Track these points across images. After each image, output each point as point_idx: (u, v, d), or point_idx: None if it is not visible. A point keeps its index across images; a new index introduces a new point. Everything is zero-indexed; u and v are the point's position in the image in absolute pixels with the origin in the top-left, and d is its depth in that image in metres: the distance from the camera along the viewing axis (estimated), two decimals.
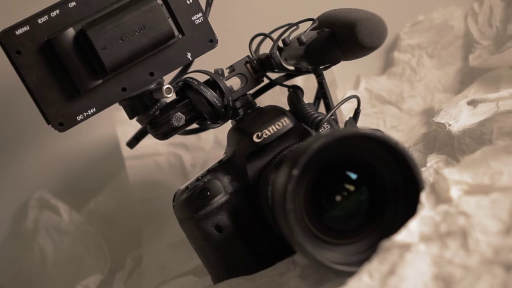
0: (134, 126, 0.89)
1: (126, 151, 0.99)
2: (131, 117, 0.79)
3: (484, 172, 0.64)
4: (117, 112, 0.92)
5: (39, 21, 0.72)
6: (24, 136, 1.08)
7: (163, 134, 0.78)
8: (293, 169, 0.61)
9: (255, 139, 0.75)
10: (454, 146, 0.77)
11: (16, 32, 0.71)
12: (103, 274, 0.98)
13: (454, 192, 0.64)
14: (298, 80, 0.89)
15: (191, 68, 0.82)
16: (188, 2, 0.75)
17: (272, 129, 0.75)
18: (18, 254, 1.06)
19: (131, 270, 0.97)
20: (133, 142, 0.86)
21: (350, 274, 0.62)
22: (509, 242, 0.57)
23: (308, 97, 0.84)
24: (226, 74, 0.80)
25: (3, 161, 1.08)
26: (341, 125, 0.83)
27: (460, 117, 0.82)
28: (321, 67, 0.78)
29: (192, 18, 0.76)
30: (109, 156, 1.06)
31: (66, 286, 0.99)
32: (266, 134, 0.75)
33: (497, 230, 0.58)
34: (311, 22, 0.76)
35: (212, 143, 1.03)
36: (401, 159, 0.64)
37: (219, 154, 0.94)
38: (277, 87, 0.86)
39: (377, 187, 0.67)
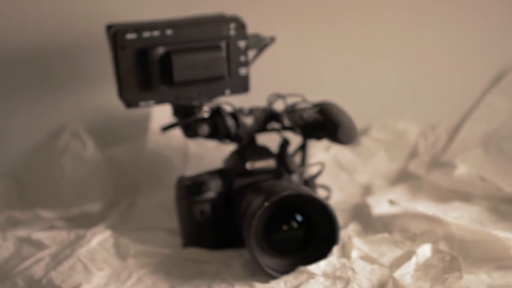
0: (165, 112, 1.04)
1: (153, 126, 1.09)
2: (174, 115, 0.95)
3: (376, 249, 0.83)
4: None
5: (144, 34, 0.90)
6: (79, 81, 1.15)
7: (189, 135, 0.95)
8: (265, 202, 0.80)
9: (247, 166, 0.91)
10: (369, 224, 0.93)
11: (126, 36, 0.90)
12: (104, 205, 1.07)
13: (354, 254, 0.82)
14: (289, 133, 0.97)
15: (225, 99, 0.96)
16: (241, 59, 0.94)
17: (261, 164, 0.92)
18: (43, 163, 1.14)
19: (124, 210, 1.06)
20: (166, 128, 0.99)
21: (274, 278, 0.81)
22: None
23: (294, 145, 0.98)
24: (246, 112, 0.95)
25: (56, 91, 1.15)
26: (306, 175, 0.99)
27: (382, 205, 0.96)
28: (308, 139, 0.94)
29: (239, 70, 0.94)
30: (138, 122, 1.13)
31: (72, 202, 1.08)
32: (255, 166, 0.92)
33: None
34: (313, 104, 0.92)
35: (214, 146, 1.11)
36: (332, 220, 0.82)
37: (217, 154, 1.10)
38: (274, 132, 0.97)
39: (310, 230, 0.84)
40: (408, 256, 0.81)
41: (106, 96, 1.10)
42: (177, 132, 1.02)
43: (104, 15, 1.03)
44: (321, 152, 1.14)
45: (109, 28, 0.93)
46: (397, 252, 0.82)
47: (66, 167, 1.14)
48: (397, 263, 0.80)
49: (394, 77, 1.20)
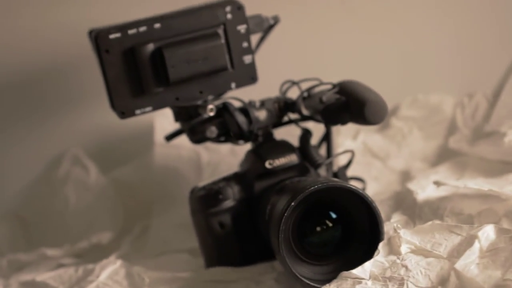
0: (169, 120, 0.98)
1: (158, 138, 1.05)
2: (176, 120, 0.90)
3: (429, 240, 0.74)
4: None
5: (129, 32, 0.82)
6: (73, 102, 1.12)
7: (197, 140, 0.89)
8: (292, 202, 0.73)
9: (267, 165, 0.84)
10: (415, 212, 0.85)
11: (110, 36, 0.82)
12: (115, 233, 1.03)
13: (403, 249, 0.74)
14: (310, 123, 0.93)
15: (231, 94, 0.90)
16: (244, 46, 0.86)
17: (282, 160, 0.85)
18: (45, 196, 1.11)
19: (138, 235, 1.03)
20: (171, 137, 0.94)
21: None
22: None
23: (316, 136, 0.91)
24: (257, 105, 0.89)
25: (52, 116, 1.12)
26: (335, 167, 0.93)
27: (427, 188, 0.89)
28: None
29: (243, 58, 0.87)
30: (141, 137, 1.10)
31: (80, 235, 1.04)
32: (276, 164, 0.85)
33: (425, 286, 0.69)
34: (332, 85, 0.85)
35: (228, 150, 1.07)
36: (372, 213, 0.74)
37: (232, 160, 1.05)
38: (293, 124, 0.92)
39: (348, 228, 0.77)
40: (468, 242, 0.72)
41: (103, 114, 1.04)
42: (186, 140, 0.96)
43: (90, 25, 0.95)
44: (348, 141, 1.09)
45: (91, 32, 0.87)
46: (455, 240, 0.73)
47: (70, 197, 1.11)
48: (457, 252, 0.72)
49: (418, 48, 1.15)
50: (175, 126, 0.96)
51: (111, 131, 1.13)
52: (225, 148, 1.08)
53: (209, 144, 1.05)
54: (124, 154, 1.14)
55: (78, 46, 1.06)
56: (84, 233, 1.05)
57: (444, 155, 1.08)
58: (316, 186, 0.74)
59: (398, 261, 0.73)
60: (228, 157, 1.08)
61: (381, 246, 0.75)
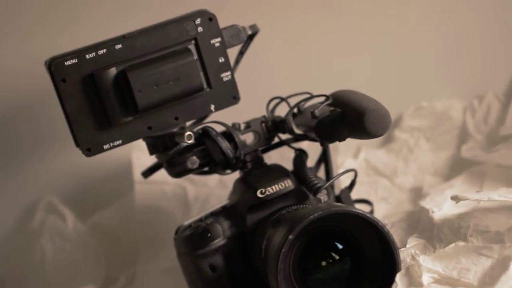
0: (148, 154, 0.90)
1: (137, 175, 1.00)
2: (151, 153, 0.83)
3: (454, 266, 0.70)
4: None
5: (87, 56, 0.75)
6: (42, 143, 1.10)
7: (177, 173, 0.82)
8: (290, 234, 0.66)
9: (258, 194, 0.78)
10: (434, 233, 0.80)
11: (65, 63, 0.75)
12: (97, 286, 0.99)
13: (426, 279, 0.69)
14: (304, 143, 0.92)
15: (212, 118, 0.85)
16: (220, 61, 0.80)
17: (275, 188, 0.78)
18: (20, 250, 1.07)
19: (123, 286, 0.99)
20: (148, 173, 0.89)
21: None
22: None
23: (312, 158, 0.87)
24: (242, 128, 0.83)
25: (20, 162, 1.10)
26: (337, 190, 0.87)
27: (443, 205, 0.85)
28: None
29: (221, 75, 0.80)
30: (120, 176, 1.08)
31: None
32: (269, 192, 0.78)
33: None
34: (325, 97, 0.79)
35: (216, 182, 1.04)
36: (384, 241, 0.68)
37: (221, 192, 1.00)
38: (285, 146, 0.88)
39: (358, 259, 0.71)
40: (502, 265, 0.67)
41: (76, 155, 0.95)
42: (163, 170, 0.91)
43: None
44: (348, 160, 1.07)
45: (46, 62, 0.80)
46: (485, 263, 0.69)
47: (46, 249, 1.06)
48: (490, 278, 0.67)
49: (417, 50, 1.14)
50: (153, 159, 0.90)
51: (86, 173, 1.10)
52: (213, 179, 1.05)
53: (194, 177, 1.02)
54: (102, 197, 1.11)
55: (45, 80, 0.98)
56: None
57: (457, 167, 1.05)
58: (316, 214, 0.68)
59: None
60: (217, 189, 1.05)
61: (398, 277, 0.70)
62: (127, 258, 1.03)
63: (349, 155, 1.08)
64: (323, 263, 0.72)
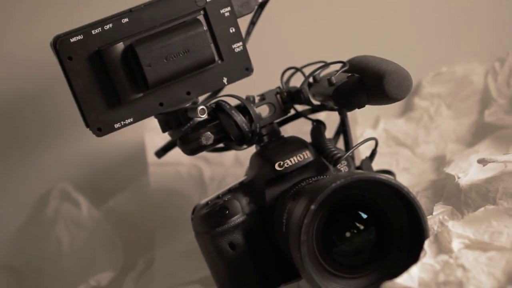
0: (161, 134, 0.90)
1: (151, 157, 1.00)
2: (163, 131, 0.81)
3: (485, 230, 0.67)
4: (147, 119, 0.92)
5: (93, 32, 0.74)
6: (53, 130, 1.09)
7: (191, 150, 0.80)
8: (312, 205, 0.65)
9: (276, 167, 0.77)
10: (461, 199, 0.79)
11: (71, 39, 0.73)
12: (115, 272, 0.99)
13: (456, 245, 0.67)
14: (322, 114, 0.92)
15: (225, 91, 0.85)
16: (231, 31, 0.78)
17: (294, 160, 0.77)
18: (34, 240, 1.07)
19: (142, 271, 0.98)
20: (161, 152, 0.88)
21: None
22: None
23: (330, 130, 0.85)
24: (256, 101, 0.82)
25: (32, 151, 1.09)
26: (357, 161, 0.86)
27: (469, 171, 0.83)
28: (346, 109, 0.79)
29: (233, 46, 0.78)
30: (133, 159, 1.07)
31: (77, 279, 0.99)
32: (287, 164, 0.77)
33: (490, 287, 0.61)
34: (341, 63, 0.77)
35: (232, 160, 1.04)
36: (411, 207, 0.67)
37: (238, 171, 1.00)
38: (302, 118, 0.87)
39: (384, 228, 0.69)
40: None
41: (88, 140, 1.01)
42: (183, 154, 0.89)
43: None
44: (367, 130, 1.05)
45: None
46: None
47: (62, 238, 1.06)
48: None
49: (433, 14, 1.11)
50: (167, 138, 0.89)
51: (98, 158, 1.09)
52: (229, 157, 1.04)
53: (209, 156, 1.02)
54: (116, 181, 1.09)
55: (51, 64, 0.97)
56: (82, 277, 0.99)
57: (481, 133, 1.03)
58: (339, 182, 0.66)
59: (451, 260, 0.65)
60: (234, 168, 1.04)
61: (427, 245, 0.67)
62: (144, 242, 1.03)
63: (368, 126, 1.07)
64: (348, 234, 0.70)
